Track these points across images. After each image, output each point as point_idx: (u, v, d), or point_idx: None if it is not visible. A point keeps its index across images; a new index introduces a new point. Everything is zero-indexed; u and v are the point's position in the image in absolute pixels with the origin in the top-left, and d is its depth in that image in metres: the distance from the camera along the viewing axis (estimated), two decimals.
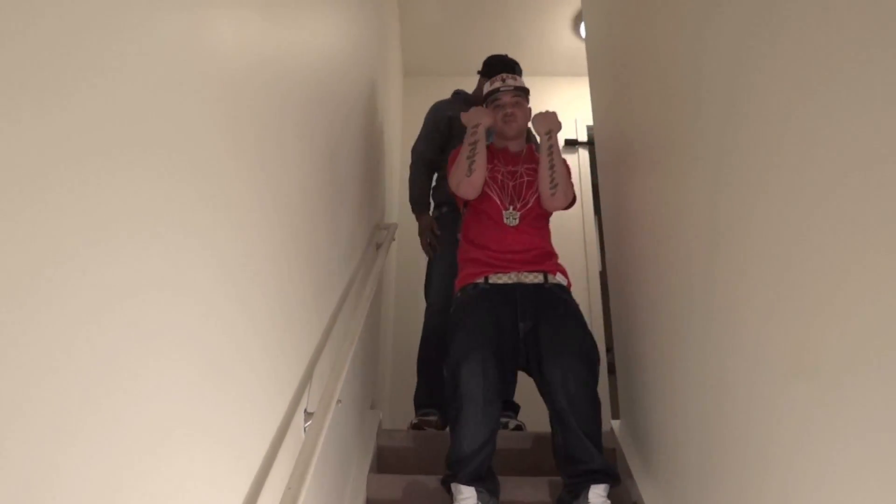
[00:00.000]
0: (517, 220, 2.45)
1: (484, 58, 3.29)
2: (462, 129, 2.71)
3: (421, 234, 3.19)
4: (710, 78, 1.68)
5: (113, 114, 0.70)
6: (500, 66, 3.10)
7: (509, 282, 2.35)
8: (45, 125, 0.58)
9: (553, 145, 2.51)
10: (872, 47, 0.98)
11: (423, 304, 3.20)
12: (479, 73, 3.27)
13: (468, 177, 2.46)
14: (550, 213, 2.57)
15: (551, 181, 2.46)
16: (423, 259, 3.27)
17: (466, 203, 2.58)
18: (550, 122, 2.55)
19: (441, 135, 3.27)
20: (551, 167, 2.47)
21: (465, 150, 2.50)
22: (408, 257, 3.95)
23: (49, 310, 0.58)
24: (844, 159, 1.05)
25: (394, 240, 2.98)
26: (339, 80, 2.13)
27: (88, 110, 0.65)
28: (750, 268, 1.43)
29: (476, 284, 2.37)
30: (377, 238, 2.81)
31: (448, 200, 3.17)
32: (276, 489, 1.22)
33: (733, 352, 1.52)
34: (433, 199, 3.30)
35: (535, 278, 2.36)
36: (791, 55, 1.23)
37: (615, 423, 2.71)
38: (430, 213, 3.26)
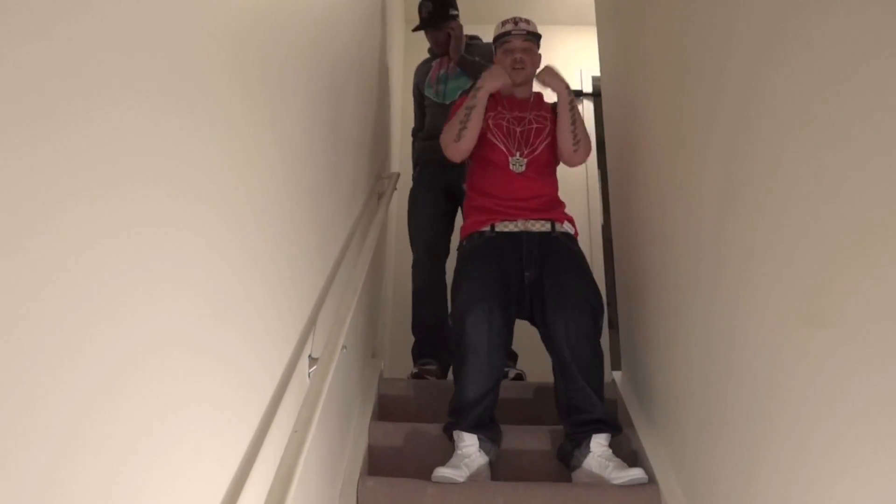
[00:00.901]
0: (524, 167, 2.40)
1: (487, 6, 3.25)
2: None
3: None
4: (735, 28, 1.63)
5: (115, 49, 0.67)
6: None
7: (515, 230, 2.32)
8: (45, 58, 0.56)
9: (573, 100, 2.44)
10: None
11: None
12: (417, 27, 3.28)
13: (456, 142, 2.40)
14: (558, 162, 2.53)
15: (574, 138, 2.41)
16: None
17: (472, 151, 2.53)
18: (560, 77, 2.46)
19: (417, 104, 3.35)
20: (573, 123, 2.41)
21: (460, 113, 2.42)
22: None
23: (48, 236, 0.56)
24: (867, 110, 1.02)
25: (395, 189, 2.95)
26: (342, 27, 2.08)
27: (90, 46, 0.62)
28: (763, 219, 1.41)
29: (482, 233, 2.34)
30: (379, 188, 2.78)
31: (419, 159, 3.18)
32: (283, 432, 1.22)
33: (742, 303, 1.51)
34: (412, 159, 3.30)
35: (542, 226, 2.33)
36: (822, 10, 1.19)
37: (616, 375, 2.73)
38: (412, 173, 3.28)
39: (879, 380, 0.98)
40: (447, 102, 3.08)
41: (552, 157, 2.49)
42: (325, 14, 1.78)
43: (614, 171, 2.92)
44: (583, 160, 2.47)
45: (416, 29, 3.29)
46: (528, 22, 2.59)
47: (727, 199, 1.61)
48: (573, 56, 4.40)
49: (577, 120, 2.42)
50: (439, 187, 3.09)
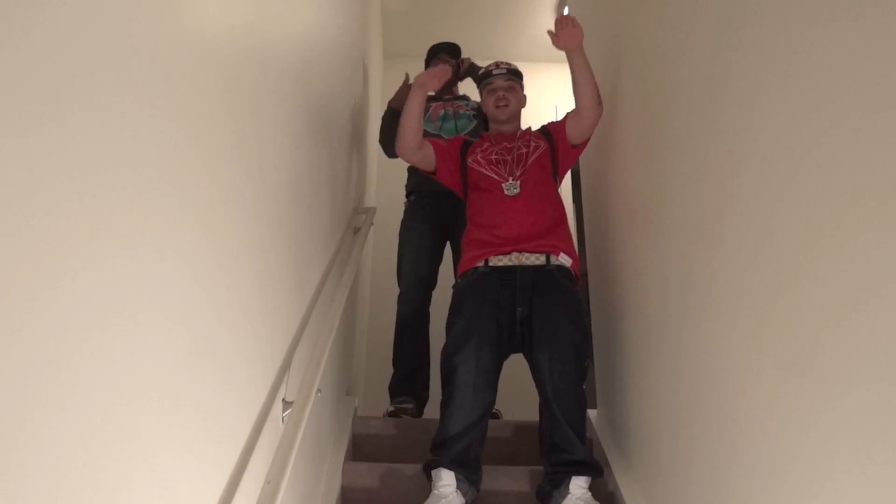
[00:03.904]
0: (518, 189, 2.38)
1: (471, 45, 3.30)
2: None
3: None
4: (691, 72, 1.66)
5: (106, 92, 0.66)
6: (440, 47, 3.29)
7: (510, 264, 2.29)
8: (23, 58, 0.54)
9: (586, 59, 2.38)
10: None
11: (398, 290, 3.17)
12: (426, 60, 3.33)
13: (399, 133, 2.44)
14: (558, 181, 2.51)
15: (597, 91, 2.38)
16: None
17: (466, 191, 2.53)
18: (574, 36, 2.36)
19: None
20: (593, 80, 2.38)
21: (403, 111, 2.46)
22: (385, 242, 3.89)
23: (28, 264, 0.54)
24: (840, 150, 1.03)
25: (372, 224, 2.93)
26: (325, 63, 2.08)
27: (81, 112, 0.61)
28: (726, 264, 1.43)
29: (476, 269, 2.32)
30: (355, 222, 2.76)
31: (416, 189, 3.16)
32: (256, 478, 1.18)
33: (708, 346, 1.52)
34: (405, 187, 3.27)
35: (536, 259, 2.30)
36: (771, 32, 1.21)
37: (592, 413, 2.71)
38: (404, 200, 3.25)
39: (851, 433, 0.97)
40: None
41: (548, 173, 2.46)
42: (309, 50, 1.78)
43: (588, 207, 2.94)
44: (598, 117, 2.42)
45: (431, 53, 3.35)
46: (508, 64, 2.67)
47: (692, 237, 1.62)
48: (549, 92, 4.45)
49: (593, 76, 2.39)
50: (435, 219, 3.08)
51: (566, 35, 2.38)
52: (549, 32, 2.41)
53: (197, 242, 0.94)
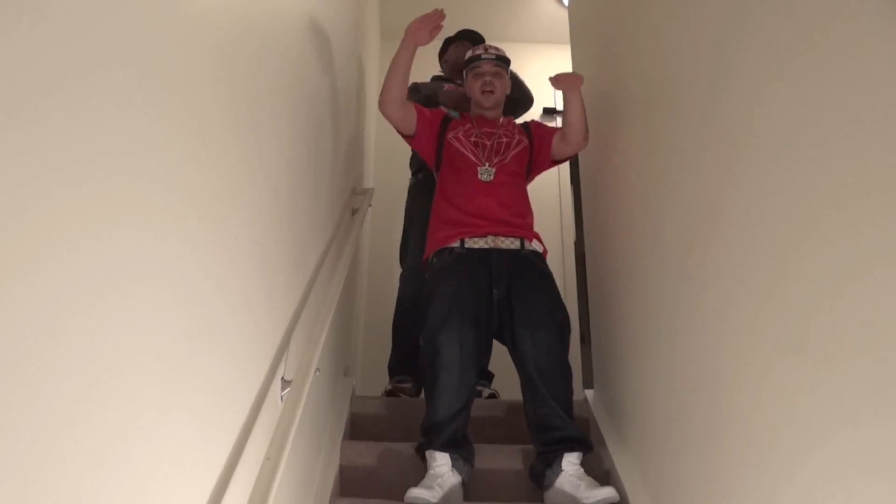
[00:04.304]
0: (492, 176, 2.42)
1: (461, 23, 3.28)
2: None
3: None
4: (693, 54, 1.66)
5: (98, 56, 0.66)
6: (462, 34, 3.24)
7: (485, 246, 2.32)
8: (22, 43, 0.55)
9: (581, 99, 2.46)
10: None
11: (396, 270, 3.18)
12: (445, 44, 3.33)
13: (383, 89, 2.42)
14: (529, 178, 2.56)
15: (586, 128, 2.47)
16: (397, 225, 3.24)
17: (439, 165, 2.54)
18: (572, 81, 2.45)
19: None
20: (585, 118, 2.46)
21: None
22: (382, 223, 3.91)
23: (29, 241, 0.55)
24: (830, 151, 1.04)
25: (370, 205, 2.94)
26: (324, 45, 2.08)
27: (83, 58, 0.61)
28: (723, 249, 1.44)
29: (452, 249, 2.34)
30: (353, 203, 2.77)
31: (423, 166, 3.14)
32: (256, 453, 1.20)
33: (703, 328, 1.54)
34: (410, 166, 3.27)
35: (511, 244, 2.34)
36: (770, 34, 1.22)
37: (588, 393, 2.74)
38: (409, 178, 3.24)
39: (848, 408, 0.99)
40: None
41: (522, 170, 2.51)
42: (306, 31, 1.78)
43: (587, 188, 2.94)
44: (582, 148, 2.54)
45: (449, 39, 3.34)
46: (497, 49, 2.65)
47: (691, 224, 1.63)
48: (548, 73, 4.43)
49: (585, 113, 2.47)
50: None
51: (567, 78, 2.44)
52: (550, 78, 2.46)
53: (197, 223, 0.95)
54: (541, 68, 4.43)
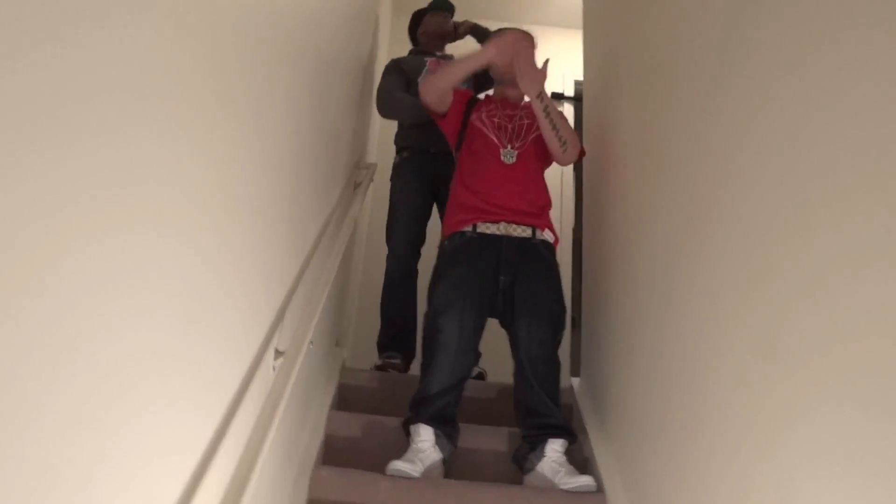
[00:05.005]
0: (514, 159, 2.44)
1: (477, 5, 3.31)
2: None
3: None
4: (700, 44, 1.67)
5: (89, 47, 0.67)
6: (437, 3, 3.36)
7: (497, 232, 2.34)
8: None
9: (548, 105, 2.43)
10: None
11: None
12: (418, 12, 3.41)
13: (436, 83, 2.45)
14: (549, 161, 2.57)
15: (560, 140, 2.43)
16: None
17: (459, 146, 2.55)
18: (538, 81, 2.43)
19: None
20: (554, 128, 2.42)
21: (455, 62, 2.48)
22: (383, 197, 3.91)
23: (22, 220, 0.57)
24: (814, 164, 1.06)
25: (372, 181, 2.95)
26: (332, 15, 2.07)
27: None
28: (711, 252, 1.48)
29: (464, 233, 2.36)
30: (356, 177, 2.78)
31: (409, 145, 3.16)
32: (245, 423, 1.23)
33: (688, 326, 1.58)
34: (395, 143, 3.28)
35: (522, 232, 2.36)
36: (784, 24, 1.22)
37: (575, 381, 2.77)
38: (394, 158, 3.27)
39: (817, 405, 1.03)
40: None
41: (543, 153, 2.51)
42: (317, 2, 1.77)
43: (589, 176, 2.96)
44: (573, 159, 2.51)
45: (420, 11, 3.41)
46: (526, 31, 2.64)
47: (683, 224, 1.65)
48: (558, 58, 4.41)
49: (556, 122, 2.42)
50: (427, 176, 3.10)
51: (528, 75, 2.41)
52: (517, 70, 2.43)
53: (194, 192, 0.96)
54: (553, 52, 4.43)
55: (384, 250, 3.13)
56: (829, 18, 1.11)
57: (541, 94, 2.42)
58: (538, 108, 2.42)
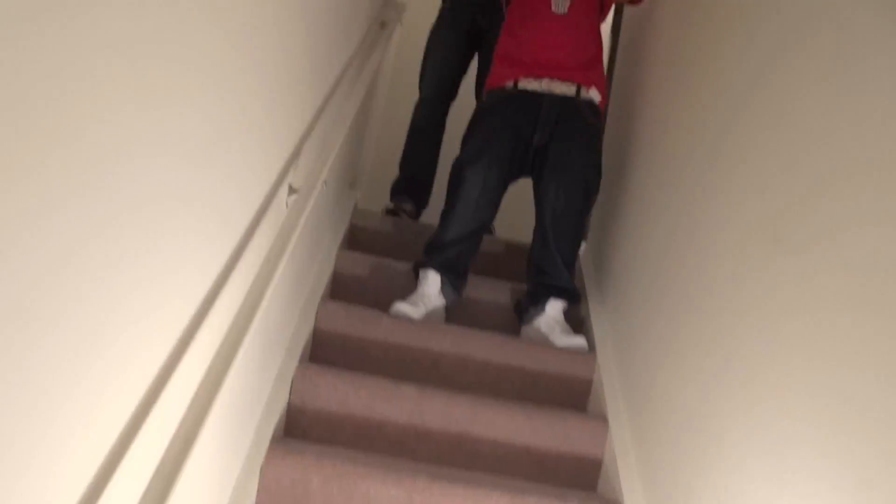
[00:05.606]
0: (566, 9, 2.29)
1: None
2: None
3: None
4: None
5: None
6: None
7: (539, 89, 2.26)
8: None
9: None
10: None
11: (416, 94, 3.12)
12: None
13: None
14: (604, 14, 2.45)
15: None
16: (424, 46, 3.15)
17: None
18: None
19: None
20: None
21: None
22: (410, 41, 3.78)
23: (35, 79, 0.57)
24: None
25: (400, 23, 2.84)
26: None
27: None
28: (746, 136, 1.45)
29: (504, 88, 2.30)
30: (383, 15, 2.67)
31: None
32: (256, 255, 1.27)
33: (703, 208, 1.60)
34: None
35: (566, 89, 2.26)
36: None
37: (582, 245, 2.82)
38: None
39: (814, 292, 1.07)
40: None
41: (594, 2, 2.38)
42: None
43: (625, 45, 2.86)
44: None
45: None
46: None
47: (715, 102, 1.62)
48: None
49: None
50: (462, 27, 2.97)
51: None
52: None
53: (211, 19, 0.94)
54: None
55: (409, 99, 3.07)
56: None
57: None
58: None
